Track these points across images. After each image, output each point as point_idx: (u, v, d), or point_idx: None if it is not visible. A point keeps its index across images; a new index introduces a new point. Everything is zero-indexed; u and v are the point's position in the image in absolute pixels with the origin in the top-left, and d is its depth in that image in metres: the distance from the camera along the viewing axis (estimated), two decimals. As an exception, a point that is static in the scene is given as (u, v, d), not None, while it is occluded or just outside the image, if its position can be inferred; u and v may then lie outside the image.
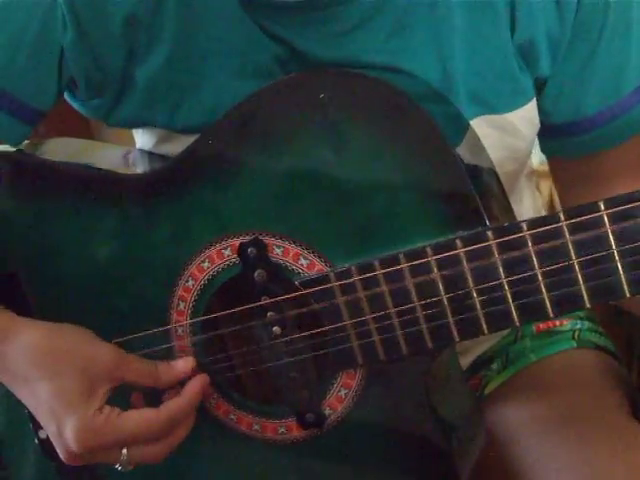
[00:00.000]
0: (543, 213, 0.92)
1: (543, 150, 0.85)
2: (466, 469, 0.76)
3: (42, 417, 0.73)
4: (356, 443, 0.76)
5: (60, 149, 0.86)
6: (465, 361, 0.93)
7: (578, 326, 0.93)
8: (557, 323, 0.94)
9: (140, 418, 0.71)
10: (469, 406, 0.81)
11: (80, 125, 0.82)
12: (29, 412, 0.81)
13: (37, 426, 0.82)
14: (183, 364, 0.75)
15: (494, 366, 0.93)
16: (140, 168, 0.84)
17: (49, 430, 0.73)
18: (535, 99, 0.79)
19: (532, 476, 0.82)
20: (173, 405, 0.72)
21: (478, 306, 0.68)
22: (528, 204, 0.90)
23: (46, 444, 0.82)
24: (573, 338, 0.92)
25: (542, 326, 0.94)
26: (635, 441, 0.82)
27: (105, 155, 0.89)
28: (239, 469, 0.80)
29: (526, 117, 0.79)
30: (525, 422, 0.86)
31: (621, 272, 0.65)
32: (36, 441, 0.83)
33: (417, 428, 0.74)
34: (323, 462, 0.77)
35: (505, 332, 0.94)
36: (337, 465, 0.77)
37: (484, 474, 0.86)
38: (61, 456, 0.73)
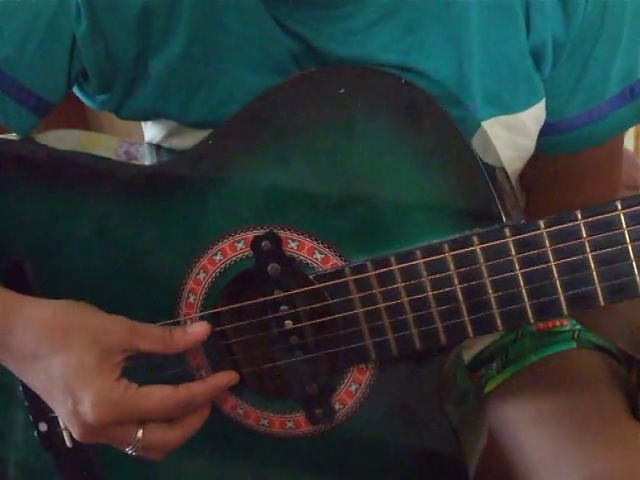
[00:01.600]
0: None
1: None
2: (473, 467, 0.77)
3: (55, 394, 0.71)
4: (365, 438, 0.76)
5: (58, 141, 0.85)
6: (465, 357, 0.93)
7: (578, 326, 0.94)
8: (557, 323, 0.94)
9: (159, 393, 0.70)
10: (474, 405, 0.81)
11: (78, 121, 0.81)
12: (29, 404, 0.81)
13: (37, 419, 0.81)
14: (198, 328, 0.73)
15: (494, 365, 0.93)
16: (147, 161, 0.83)
17: (63, 407, 0.71)
18: (545, 98, 0.80)
19: (531, 476, 0.82)
20: (194, 386, 0.71)
21: (493, 303, 0.69)
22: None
23: (46, 437, 0.81)
24: (573, 338, 0.93)
25: (542, 326, 0.94)
26: (635, 441, 0.82)
27: (103, 146, 0.89)
28: (246, 463, 0.79)
29: (536, 116, 0.80)
30: (524, 421, 0.86)
31: (636, 271, 0.66)
32: (35, 433, 0.82)
33: (427, 424, 0.74)
34: (331, 457, 0.77)
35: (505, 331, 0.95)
36: (345, 460, 0.77)
37: (483, 474, 0.86)
38: (75, 434, 0.71)
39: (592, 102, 0.80)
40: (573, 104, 0.80)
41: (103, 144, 0.89)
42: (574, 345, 0.92)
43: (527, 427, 0.86)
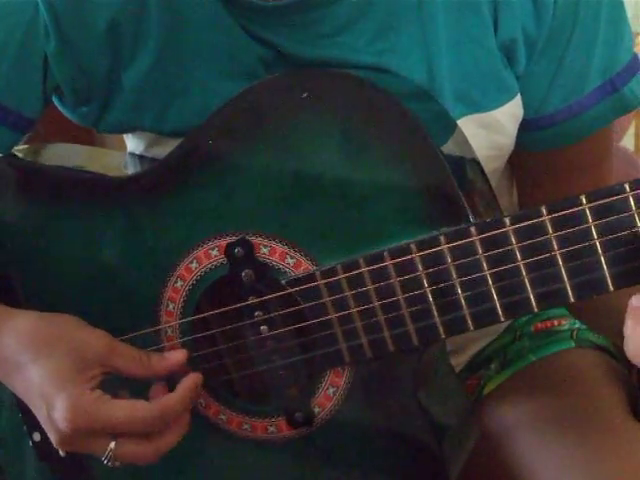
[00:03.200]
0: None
1: None
2: (457, 468, 0.76)
3: (33, 402, 0.73)
4: (346, 441, 0.75)
5: (61, 155, 0.87)
6: (461, 360, 0.93)
7: (577, 325, 0.93)
8: (555, 323, 0.93)
9: (131, 407, 0.70)
10: (461, 405, 0.81)
11: (81, 128, 0.83)
12: (22, 415, 0.83)
13: (31, 428, 0.83)
14: (176, 355, 0.74)
15: (492, 366, 0.93)
16: (131, 172, 0.85)
17: (40, 415, 0.72)
18: (520, 95, 0.79)
19: (531, 476, 0.81)
20: (166, 400, 0.71)
21: (463, 302, 0.68)
22: (507, 199, 0.90)
23: (40, 446, 0.83)
24: (572, 338, 0.92)
25: (540, 326, 0.93)
26: (635, 441, 0.81)
27: (106, 161, 0.91)
28: (230, 469, 0.79)
29: (510, 113, 0.79)
30: (524, 422, 0.85)
31: (604, 266, 0.64)
32: (30, 444, 0.83)
33: (406, 425, 0.74)
34: (313, 460, 0.77)
35: (502, 331, 0.94)
36: (327, 463, 0.77)
37: (483, 474, 0.85)
38: (52, 440, 0.72)
39: (572, 96, 0.79)
40: (552, 99, 0.79)
41: (112, 159, 0.91)
42: (573, 345, 0.91)
43: (526, 428, 0.85)
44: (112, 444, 0.70)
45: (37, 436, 0.82)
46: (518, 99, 0.79)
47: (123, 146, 0.92)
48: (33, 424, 0.82)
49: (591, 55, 0.77)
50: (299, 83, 0.70)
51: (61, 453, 0.82)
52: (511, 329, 0.94)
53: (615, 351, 0.92)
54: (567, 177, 0.84)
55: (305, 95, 0.69)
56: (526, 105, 0.79)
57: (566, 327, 0.92)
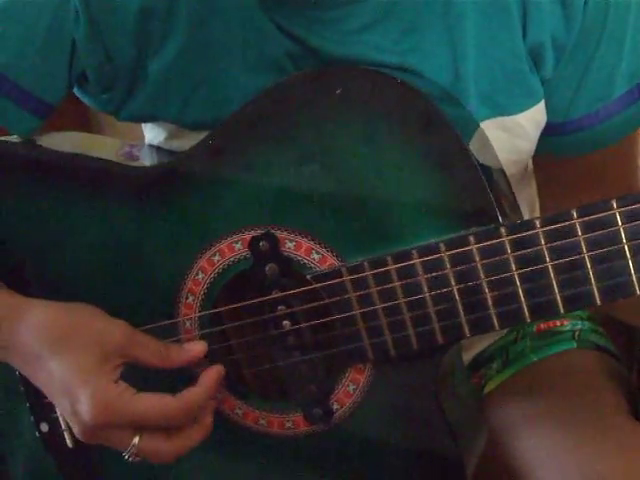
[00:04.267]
0: (538, 212, 0.93)
1: None
2: (471, 469, 0.77)
3: (55, 395, 0.72)
4: (363, 438, 0.76)
5: (59, 143, 0.86)
6: (465, 357, 0.93)
7: (578, 326, 0.94)
8: (557, 323, 0.94)
9: (156, 401, 0.70)
10: (473, 405, 0.81)
11: (79, 120, 0.82)
12: (31, 405, 0.81)
13: (39, 419, 0.81)
14: (195, 347, 0.74)
15: (494, 365, 0.93)
16: (148, 163, 0.84)
17: (62, 408, 0.71)
18: (543, 100, 0.80)
19: (531, 476, 0.82)
20: (189, 394, 0.71)
21: (490, 302, 0.69)
22: (525, 203, 0.91)
23: (48, 437, 0.82)
24: (573, 338, 0.93)
25: (542, 326, 0.94)
26: (635, 441, 0.82)
27: (105, 148, 0.89)
28: (245, 464, 0.79)
29: (534, 118, 0.80)
30: (525, 422, 0.86)
31: (632, 270, 0.66)
32: (37, 434, 0.82)
33: (424, 424, 0.74)
34: (329, 457, 0.77)
35: (505, 331, 0.95)
36: (343, 460, 0.77)
37: (483, 474, 0.86)
38: (76, 433, 0.71)
39: (598, 102, 0.80)
40: (578, 105, 0.80)
41: (105, 146, 0.89)
42: (574, 345, 0.92)
43: (527, 427, 0.86)
44: (136, 439, 0.70)
45: (45, 427, 0.81)
46: (542, 104, 0.79)
47: (122, 136, 0.91)
48: (42, 415, 0.81)
49: (618, 61, 0.78)
50: (332, 79, 0.70)
51: (69, 444, 0.81)
52: (513, 329, 0.95)
53: (616, 352, 0.94)
54: (593, 183, 0.84)
55: (338, 92, 0.69)
56: (553, 109, 0.80)
57: (568, 328, 0.94)
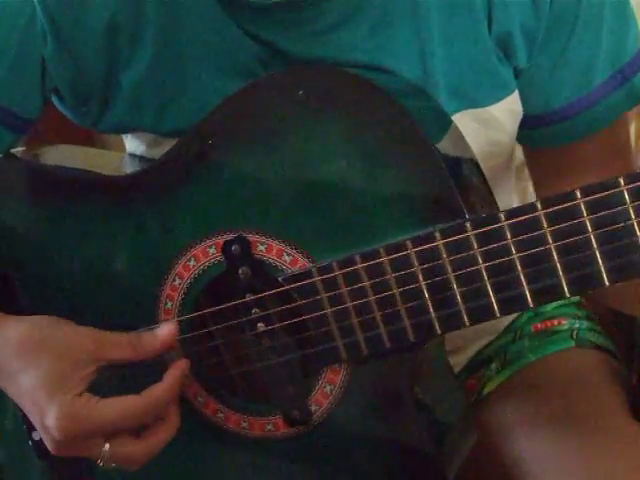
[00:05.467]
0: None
1: (516, 139, 0.85)
2: (454, 467, 0.76)
3: (27, 410, 0.73)
4: (343, 439, 0.75)
5: (59, 157, 0.88)
6: (460, 360, 0.93)
7: (577, 325, 0.92)
8: (555, 322, 0.93)
9: (120, 403, 0.70)
10: (459, 406, 0.80)
11: (80, 128, 0.83)
12: (23, 415, 0.83)
13: (31, 427, 0.83)
14: (166, 329, 0.74)
15: (492, 366, 0.92)
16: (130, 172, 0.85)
17: (35, 423, 0.73)
18: (517, 91, 0.79)
19: (530, 476, 0.81)
20: (153, 390, 0.71)
21: (459, 298, 0.68)
22: (516, 197, 0.90)
23: (40, 445, 0.83)
24: (572, 337, 0.91)
25: (540, 326, 0.93)
26: (635, 441, 0.81)
27: (105, 162, 0.91)
28: (228, 467, 0.80)
29: (508, 109, 0.79)
30: (524, 422, 0.85)
31: (599, 260, 0.64)
32: (30, 443, 0.84)
33: (403, 424, 0.74)
34: (311, 459, 0.77)
35: (502, 331, 0.94)
36: (325, 461, 0.77)
37: (483, 474, 0.85)
38: (49, 447, 0.73)
39: (581, 89, 0.79)
40: (560, 92, 0.79)
41: (109, 160, 0.91)
42: (573, 344, 0.91)
43: (526, 428, 0.85)
44: (106, 446, 0.71)
45: (37, 435, 0.82)
46: (516, 95, 0.79)
47: (122, 147, 0.93)
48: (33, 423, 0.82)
49: (597, 46, 0.77)
50: (295, 81, 0.70)
51: (60, 453, 0.82)
52: (511, 329, 0.94)
53: (615, 351, 0.92)
54: (584, 172, 0.83)
55: (301, 93, 0.70)
56: (532, 100, 0.79)
57: (566, 327, 0.92)
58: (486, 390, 0.91)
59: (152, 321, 0.77)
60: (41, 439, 0.82)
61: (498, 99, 0.78)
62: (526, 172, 0.91)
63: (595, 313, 0.96)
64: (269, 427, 0.77)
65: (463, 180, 0.70)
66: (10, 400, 0.83)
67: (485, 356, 0.94)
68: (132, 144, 0.86)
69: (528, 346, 0.92)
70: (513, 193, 0.90)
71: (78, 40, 0.77)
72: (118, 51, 0.77)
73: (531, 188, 0.93)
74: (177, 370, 0.73)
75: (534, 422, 0.85)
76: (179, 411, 0.73)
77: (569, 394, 0.86)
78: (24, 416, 0.82)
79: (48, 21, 0.76)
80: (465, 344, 0.93)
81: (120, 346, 0.73)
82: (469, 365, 0.94)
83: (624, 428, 0.83)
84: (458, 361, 0.93)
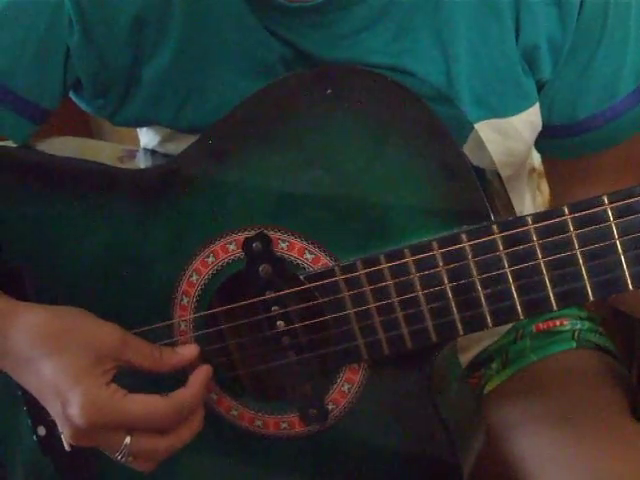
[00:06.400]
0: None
1: (537, 149, 0.86)
2: (468, 469, 0.76)
3: (46, 397, 0.72)
4: (359, 437, 0.76)
5: (58, 148, 0.86)
6: (464, 359, 0.94)
7: (578, 326, 0.94)
8: (557, 323, 0.94)
9: (147, 402, 0.70)
10: (471, 406, 0.81)
11: (80, 124, 0.82)
12: (28, 408, 0.82)
13: (36, 423, 0.82)
14: (188, 351, 0.74)
15: (494, 365, 0.93)
16: (143, 166, 0.84)
17: (54, 410, 0.71)
18: (538, 103, 0.79)
19: (531, 475, 0.82)
20: (179, 395, 0.71)
21: (483, 299, 0.68)
22: (529, 203, 0.90)
23: (45, 441, 0.82)
24: (573, 338, 0.92)
25: (542, 326, 0.94)
26: (635, 441, 0.82)
27: (103, 153, 0.90)
28: (241, 465, 0.79)
29: (528, 121, 0.79)
30: (524, 421, 0.86)
31: (624, 265, 0.65)
32: (35, 438, 0.82)
33: (420, 423, 0.74)
34: (325, 457, 0.77)
35: (505, 331, 0.95)
36: (339, 460, 0.77)
37: (483, 474, 0.86)
38: (66, 436, 0.71)
39: (604, 102, 0.79)
40: (584, 104, 0.80)
41: (104, 151, 0.90)
42: (574, 345, 0.92)
43: (527, 427, 0.86)
44: (127, 439, 0.70)
45: (42, 430, 0.81)
46: (537, 107, 0.79)
47: (120, 139, 0.91)
48: (39, 418, 0.81)
49: (623, 59, 0.77)
50: (322, 79, 0.70)
51: (66, 448, 0.81)
52: (513, 329, 0.95)
53: (616, 351, 0.93)
54: (604, 182, 0.83)
55: (329, 92, 0.69)
56: (558, 111, 0.79)
57: (568, 327, 0.93)
58: (487, 389, 0.92)
59: (167, 317, 0.77)
60: (46, 435, 0.82)
61: (520, 110, 0.78)
62: (535, 178, 0.92)
63: (596, 314, 0.97)
64: (284, 425, 0.76)
65: (487, 184, 0.71)
66: (12, 395, 0.82)
67: (486, 355, 0.95)
68: (146, 137, 0.85)
69: (529, 346, 0.93)
70: (525, 199, 0.91)
71: (104, 32, 0.76)
72: (142, 45, 0.76)
73: (538, 194, 0.94)
74: (201, 375, 0.73)
75: (534, 421, 0.86)
76: (203, 414, 0.73)
77: (570, 394, 0.87)
78: (29, 411, 0.81)
79: (76, 10, 0.75)
80: (470, 344, 0.94)
81: (141, 352, 0.72)
82: (470, 364, 0.95)
83: (624, 428, 0.84)
84: (461, 360, 0.92)
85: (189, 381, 0.73)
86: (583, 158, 0.83)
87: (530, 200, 0.92)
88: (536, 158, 0.97)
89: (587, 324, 0.94)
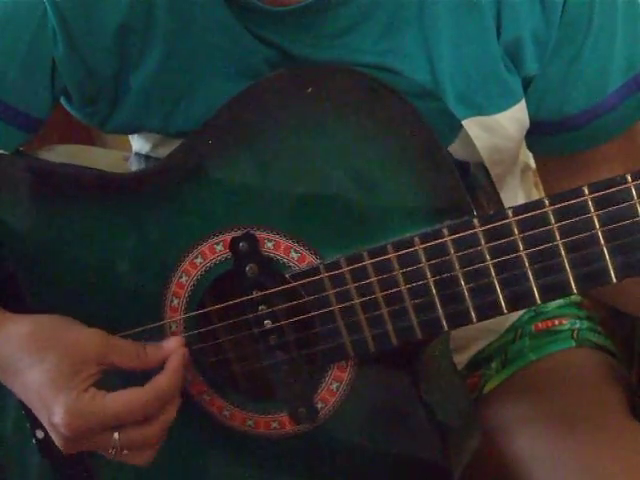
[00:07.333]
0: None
1: (528, 147, 0.86)
2: (459, 468, 0.76)
3: (35, 407, 0.73)
4: (349, 436, 0.76)
5: (59, 156, 0.88)
6: (462, 358, 0.93)
7: (577, 325, 0.93)
8: (556, 322, 0.94)
9: (126, 397, 0.70)
10: (464, 404, 0.81)
11: (81, 129, 0.83)
12: (26, 412, 0.82)
13: (34, 426, 0.82)
14: (172, 343, 0.74)
15: (493, 365, 0.93)
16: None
17: (43, 420, 0.73)
18: (524, 100, 0.79)
19: (530, 475, 0.82)
20: (157, 382, 0.72)
21: (466, 294, 0.68)
22: (522, 202, 0.90)
23: (44, 444, 0.83)
24: (572, 337, 0.92)
25: (541, 325, 0.94)
26: (634, 441, 0.81)
27: (105, 161, 0.91)
28: (233, 465, 0.80)
29: (515, 118, 0.79)
30: (524, 421, 0.86)
31: (607, 256, 0.65)
32: (33, 441, 0.83)
33: (408, 422, 0.74)
34: (316, 456, 0.77)
35: (504, 331, 0.95)
36: (330, 459, 0.77)
37: (483, 473, 0.85)
38: (57, 444, 0.73)
39: (593, 98, 0.79)
40: (572, 101, 0.79)
41: (106, 159, 0.91)
42: (573, 344, 0.91)
43: (526, 427, 0.85)
44: (116, 435, 0.71)
45: (40, 433, 0.82)
46: (523, 104, 0.79)
47: (123, 146, 0.92)
48: (37, 421, 0.82)
49: (610, 54, 0.77)
50: (303, 79, 0.70)
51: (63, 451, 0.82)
52: (512, 328, 0.95)
53: (615, 351, 0.92)
54: (595, 179, 0.82)
55: (309, 90, 0.70)
56: (546, 107, 0.79)
57: (567, 327, 0.93)
58: (486, 389, 0.92)
59: (158, 319, 0.77)
60: (44, 437, 0.82)
61: (505, 108, 0.78)
62: (530, 176, 0.92)
63: (595, 313, 0.96)
64: (274, 425, 0.77)
65: (470, 179, 0.71)
66: (11, 398, 0.83)
67: (485, 355, 0.94)
68: (138, 143, 0.86)
69: (529, 345, 0.92)
70: (518, 197, 0.90)
71: (88, 41, 0.77)
72: (128, 53, 0.77)
73: (535, 192, 0.94)
74: (176, 359, 0.73)
75: (534, 421, 0.85)
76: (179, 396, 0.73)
77: (569, 394, 0.87)
78: (27, 414, 0.82)
79: (59, 22, 0.76)
80: (468, 343, 0.93)
81: (125, 353, 0.73)
82: (469, 363, 0.95)
83: (624, 428, 0.83)
84: (460, 360, 0.93)
85: (165, 366, 0.73)
86: (574, 156, 0.83)
87: (523, 199, 0.91)
88: (532, 157, 0.96)
89: (586, 323, 0.94)
